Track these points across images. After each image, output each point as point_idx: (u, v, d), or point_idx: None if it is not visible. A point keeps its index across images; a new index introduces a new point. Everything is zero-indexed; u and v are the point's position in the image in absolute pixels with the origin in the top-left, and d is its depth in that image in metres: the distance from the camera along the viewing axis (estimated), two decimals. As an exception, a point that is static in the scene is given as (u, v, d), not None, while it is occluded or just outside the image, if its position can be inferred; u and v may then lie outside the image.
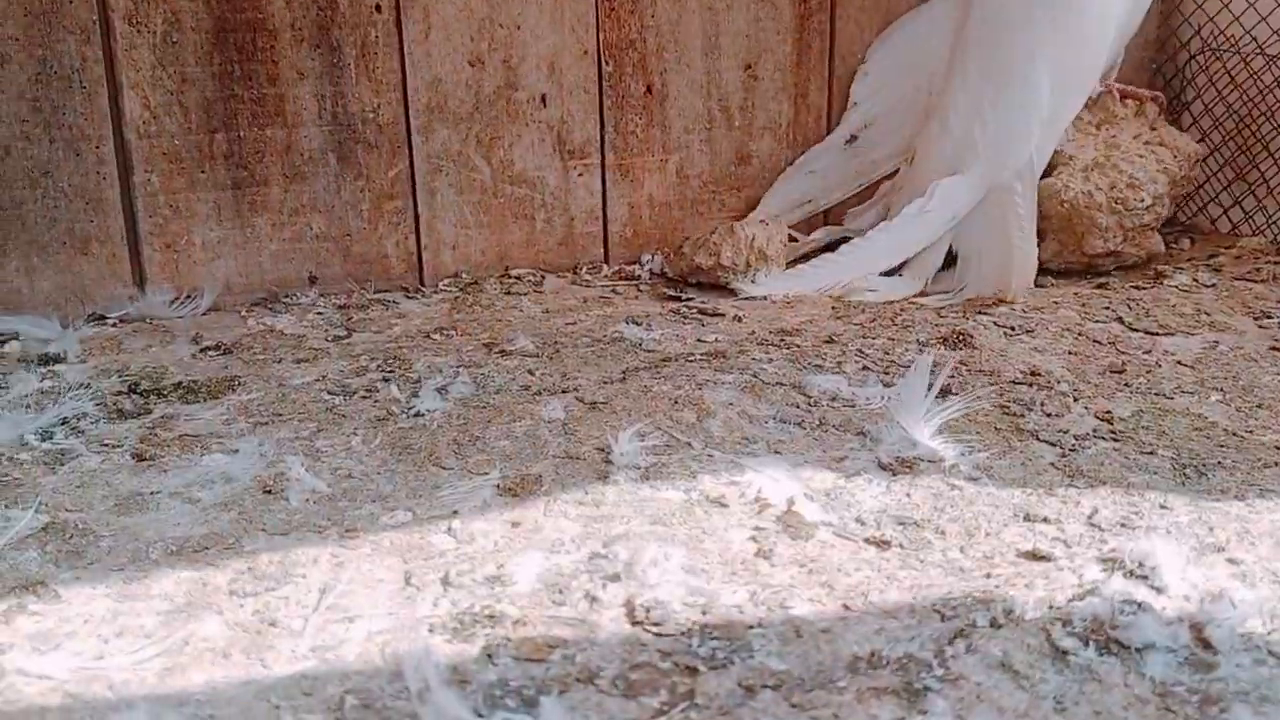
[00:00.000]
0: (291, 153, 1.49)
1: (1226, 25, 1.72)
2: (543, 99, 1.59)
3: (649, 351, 1.29)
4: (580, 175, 1.64)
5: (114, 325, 1.40)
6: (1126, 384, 1.16)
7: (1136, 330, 1.33)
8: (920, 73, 1.66)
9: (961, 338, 1.28)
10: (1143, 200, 1.54)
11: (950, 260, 1.54)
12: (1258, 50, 1.68)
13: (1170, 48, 1.80)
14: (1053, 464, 0.98)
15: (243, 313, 1.46)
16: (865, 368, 1.21)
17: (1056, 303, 1.44)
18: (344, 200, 1.53)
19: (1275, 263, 1.59)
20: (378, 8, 1.48)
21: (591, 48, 1.60)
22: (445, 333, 1.38)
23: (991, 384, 1.16)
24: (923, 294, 1.50)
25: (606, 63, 1.61)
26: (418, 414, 1.12)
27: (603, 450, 1.01)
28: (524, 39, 1.56)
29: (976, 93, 1.54)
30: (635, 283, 1.61)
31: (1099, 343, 1.29)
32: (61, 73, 1.37)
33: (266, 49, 1.45)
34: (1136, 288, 1.50)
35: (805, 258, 1.64)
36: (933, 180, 1.54)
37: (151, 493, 0.96)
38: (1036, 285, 1.52)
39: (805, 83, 1.72)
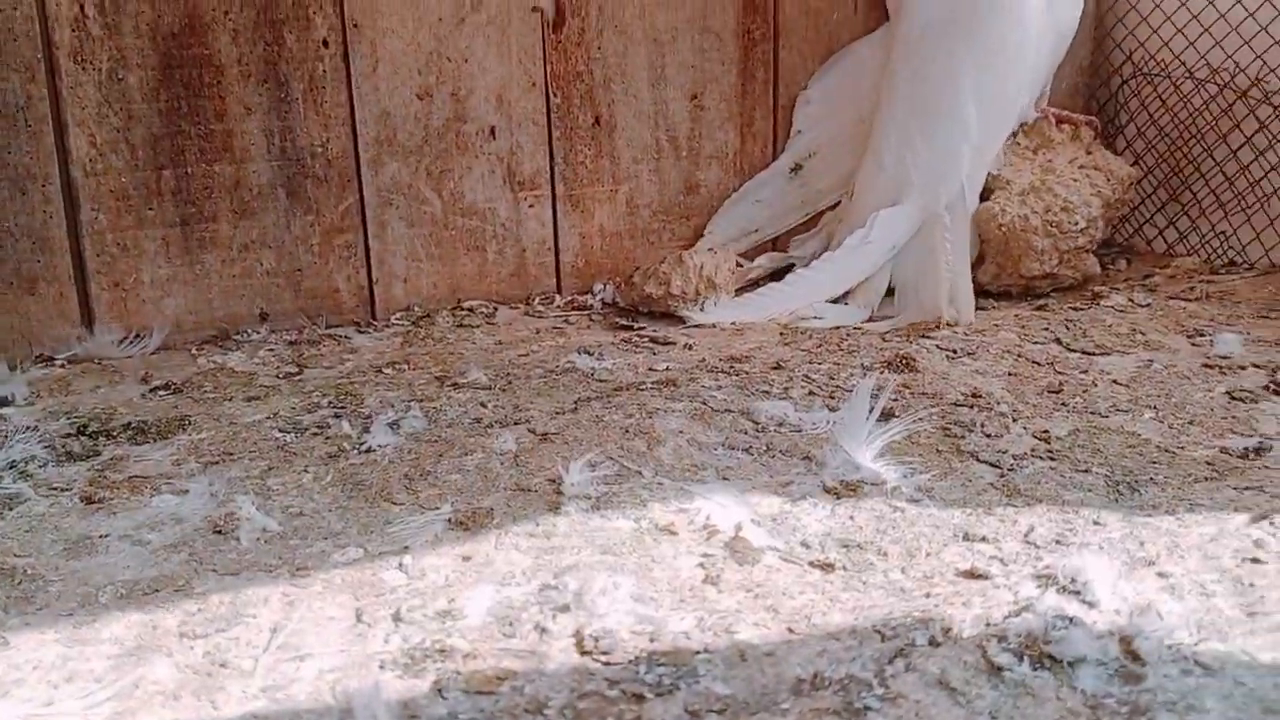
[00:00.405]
0: (240, 188, 1.49)
1: (1157, 50, 1.78)
2: (492, 131, 1.61)
3: (601, 381, 1.31)
4: (531, 206, 1.66)
5: (62, 366, 1.39)
6: (1064, 404, 1.20)
7: (1074, 350, 1.37)
8: (861, 104, 1.70)
9: (905, 361, 1.31)
10: (1077, 223, 1.58)
11: (892, 287, 1.58)
12: (1187, 74, 1.74)
13: (1103, 72, 1.86)
14: (992, 484, 1.01)
15: (193, 351, 1.46)
16: (811, 393, 1.23)
17: (997, 325, 1.48)
18: (294, 235, 1.53)
19: (1208, 281, 1.64)
20: (325, 43, 1.49)
21: (539, 80, 1.62)
22: (397, 367, 1.39)
23: (933, 406, 1.19)
24: (869, 320, 1.53)
25: (554, 94, 1.64)
26: (369, 450, 1.12)
27: (554, 481, 1.03)
28: (472, 71, 1.58)
29: (905, 125, 1.58)
30: (588, 312, 1.63)
31: (1038, 364, 1.33)
32: (6, 111, 1.36)
33: (213, 85, 1.45)
34: (1074, 309, 1.54)
35: (753, 284, 1.67)
36: (872, 211, 1.58)
37: (100, 536, 0.95)
38: (979, 310, 1.56)
39: (751, 112, 1.76)
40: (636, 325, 1.54)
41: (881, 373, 1.29)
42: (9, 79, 1.36)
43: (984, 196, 1.61)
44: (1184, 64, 1.74)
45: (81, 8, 1.37)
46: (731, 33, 1.72)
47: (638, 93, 1.69)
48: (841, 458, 1.03)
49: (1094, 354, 1.36)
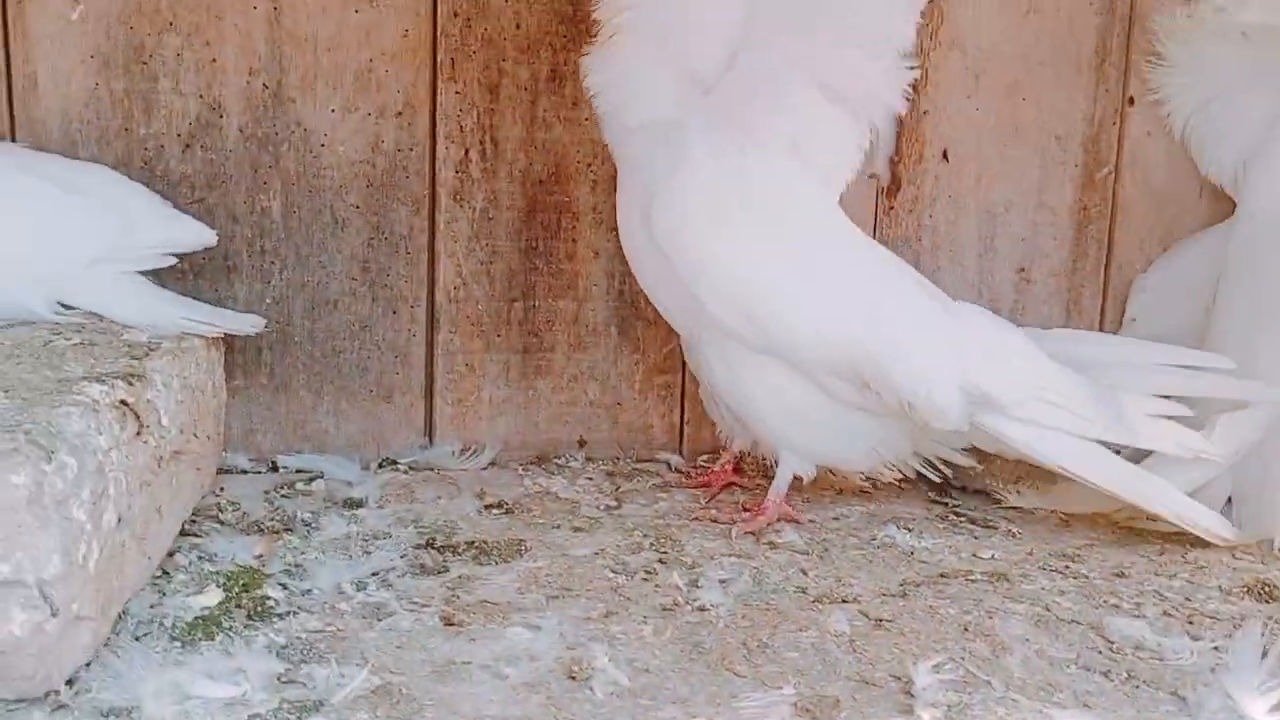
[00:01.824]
0: (578, 324, 1.58)
1: None
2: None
3: (923, 563, 1.28)
4: (843, 362, 1.66)
5: (405, 472, 1.50)
6: None
7: None
8: (1203, 297, 1.61)
9: (1267, 590, 1.20)
10: None
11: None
12: None
13: None
14: (1404, 761, 0.90)
15: (519, 470, 1.54)
16: (1167, 614, 1.15)
17: (1366, 555, 1.34)
18: (619, 371, 1.60)
19: None
20: (674, 196, 1.57)
21: (869, 242, 1.64)
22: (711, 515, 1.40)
23: (1312, 650, 1.08)
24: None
25: (881, 257, 1.65)
26: (702, 608, 1.13)
27: (899, 679, 1.00)
28: (805, 231, 1.61)
29: (1245, 323, 1.48)
30: (899, 478, 1.60)
31: None
32: (391, 239, 1.51)
33: (569, 229, 1.55)
34: None
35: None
36: (1210, 413, 1.47)
37: (463, 662, 1.00)
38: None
39: (1079, 289, 1.71)
40: (950, 499, 1.50)
41: (1243, 600, 1.18)
42: (397, 211, 1.51)
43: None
44: None
45: (466, 152, 1.51)
46: (1067, 209, 1.68)
47: (964, 261, 1.67)
48: (1221, 703, 0.95)
49: None
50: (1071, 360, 1.37)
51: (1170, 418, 1.36)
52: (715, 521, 1.37)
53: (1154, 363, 1.43)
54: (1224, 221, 1.67)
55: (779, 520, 1.37)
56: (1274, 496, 1.38)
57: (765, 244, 1.28)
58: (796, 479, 1.38)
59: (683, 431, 1.64)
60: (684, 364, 1.61)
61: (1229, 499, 1.45)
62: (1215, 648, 1.07)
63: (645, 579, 1.20)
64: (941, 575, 1.24)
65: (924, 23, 1.59)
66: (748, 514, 1.38)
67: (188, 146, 1.44)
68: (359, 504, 1.38)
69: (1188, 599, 1.19)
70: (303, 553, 1.22)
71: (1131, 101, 1.67)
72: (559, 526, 1.34)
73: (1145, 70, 1.64)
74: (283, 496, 1.39)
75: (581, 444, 1.61)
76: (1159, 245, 1.71)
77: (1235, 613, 1.15)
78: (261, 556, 1.21)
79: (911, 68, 1.36)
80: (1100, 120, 1.67)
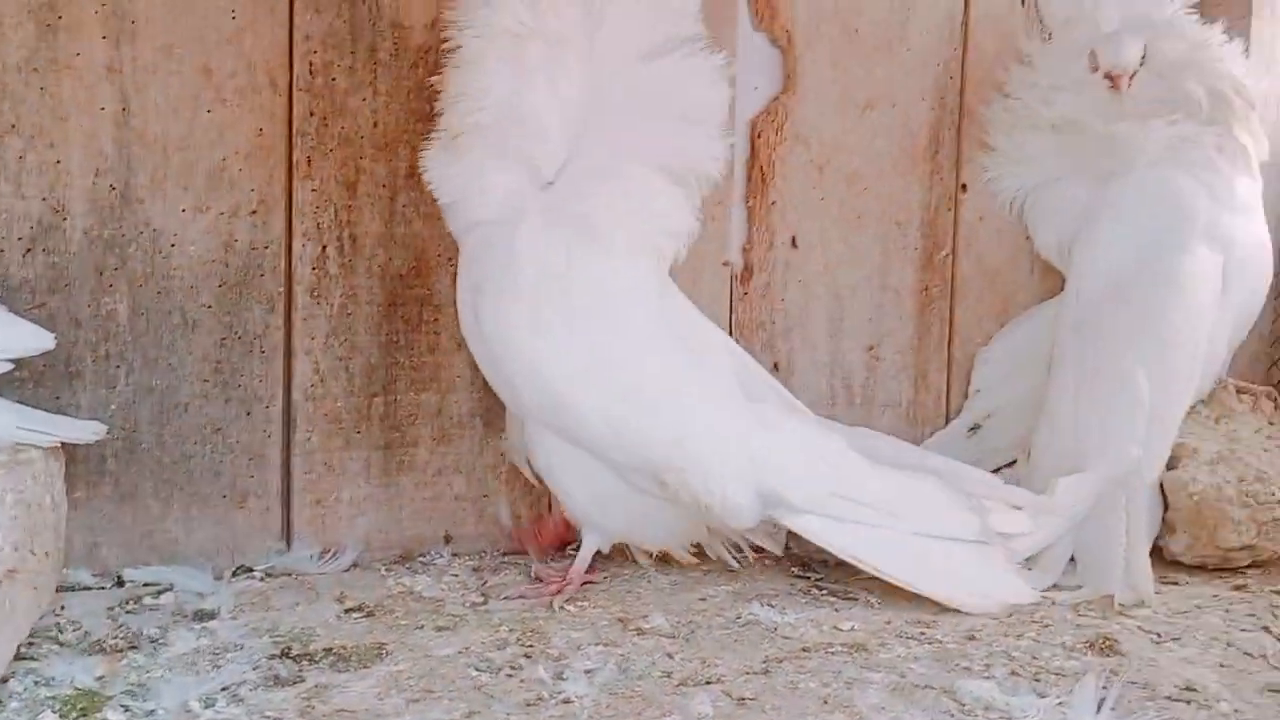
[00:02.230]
0: (441, 416, 1.57)
1: (1340, 324, 1.76)
2: (677, 372, 1.67)
3: (786, 639, 1.29)
4: (707, 444, 1.69)
5: (261, 579, 1.45)
6: (1291, 709, 1.13)
7: (1288, 643, 1.30)
8: (1040, 368, 1.71)
9: (1107, 643, 1.26)
10: (1273, 494, 1.54)
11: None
12: (1376, 350, 1.71)
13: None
14: (1231, 803, 0.95)
15: (382, 571, 1.50)
16: (1014, 673, 1.19)
17: (1198, 606, 1.42)
18: (485, 463, 1.59)
19: None
20: (533, 288, 1.60)
21: (725, 327, 1.69)
22: (578, 604, 1.40)
23: (1148, 699, 1.13)
24: (1054, 587, 1.48)
25: (737, 341, 1.69)
26: (566, 700, 1.12)
27: (761, 757, 1.00)
28: (664, 318, 1.66)
29: (1077, 396, 1.58)
30: (762, 553, 1.62)
31: (1250, 655, 1.27)
32: (245, 339, 1.48)
33: (430, 321, 1.56)
34: (1276, 591, 1.47)
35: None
36: (1049, 477, 1.56)
37: (315, 776, 0.97)
38: (1170, 583, 1.51)
39: (925, 364, 1.79)
40: (812, 573, 1.53)
41: (1085, 655, 1.24)
42: (251, 309, 1.48)
43: (1170, 465, 1.58)
44: (1375, 340, 1.72)
45: (324, 248, 1.51)
46: (910, 289, 1.77)
47: (816, 342, 1.74)
48: (1064, 758, 0.99)
49: (1312, 650, 1.28)
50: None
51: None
52: (524, 598, 1.40)
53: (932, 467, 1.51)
54: (1056, 297, 1.79)
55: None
56: (1112, 555, 1.46)
57: (579, 350, 1.35)
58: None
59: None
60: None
61: (1071, 557, 1.52)
62: (1059, 703, 1.11)
63: (510, 675, 1.19)
64: (803, 650, 1.26)
65: (770, 119, 1.69)
66: (540, 584, 1.43)
67: (29, 250, 1.40)
68: (211, 615, 1.32)
69: (1034, 657, 1.24)
70: (148, 671, 1.16)
71: (964, 188, 1.79)
72: (422, 626, 1.32)
73: (976, 159, 1.77)
74: (128, 612, 1.33)
75: (447, 540, 1.58)
76: (997, 321, 1.81)
77: (1078, 668, 1.20)
78: (103, 678, 1.15)
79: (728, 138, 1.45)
80: (936, 206, 1.78)
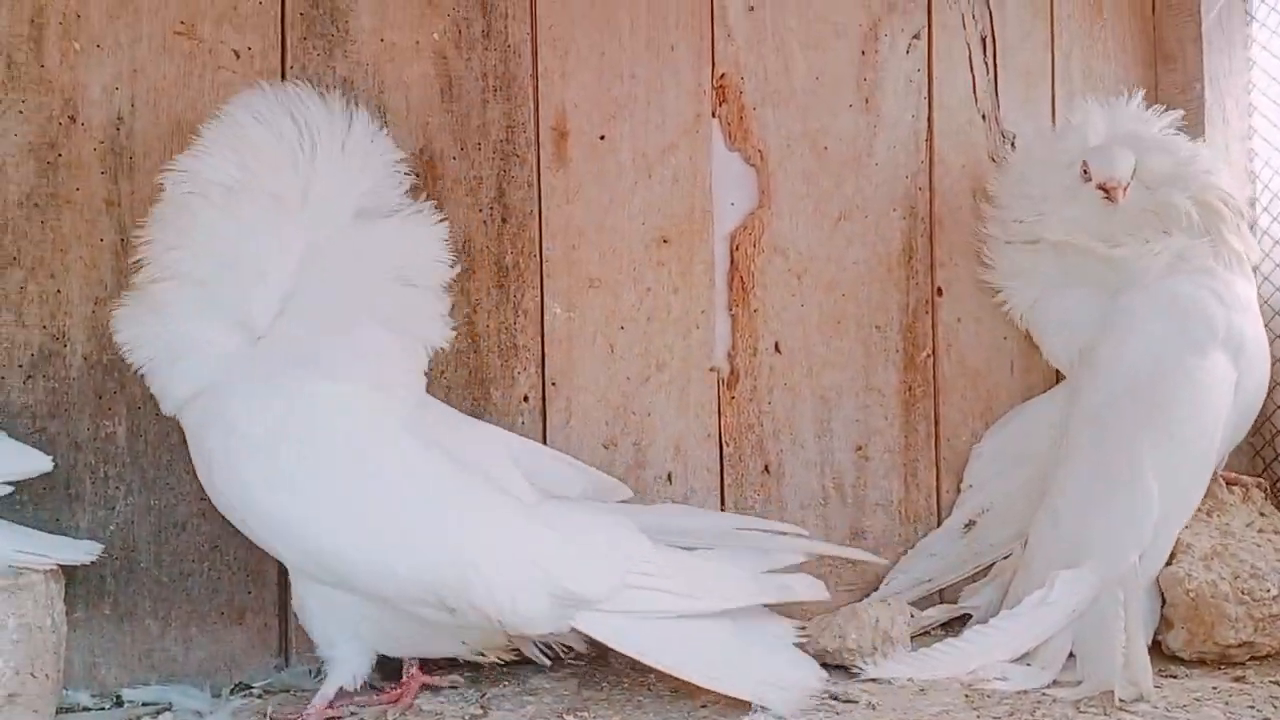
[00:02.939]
0: (436, 528, 1.58)
1: (1320, 415, 1.79)
2: (669, 477, 1.70)
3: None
4: (702, 549, 1.70)
5: (259, 696, 1.44)
6: (1295, 798, 1.12)
7: (1290, 733, 1.30)
8: (1033, 462, 1.74)
9: (1108, 738, 1.26)
10: (1269, 590, 1.54)
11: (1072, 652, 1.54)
12: (1355, 438, 1.74)
13: (1267, 432, 1.87)
14: None
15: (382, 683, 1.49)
16: (1016, 770, 1.19)
17: (1197, 699, 1.42)
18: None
19: None
20: (525, 398, 1.64)
21: (714, 431, 1.72)
22: (578, 714, 1.39)
23: (1151, 793, 1.13)
24: (1054, 684, 1.48)
25: (728, 444, 1.73)
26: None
27: None
28: (654, 424, 1.69)
29: (1087, 490, 1.60)
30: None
31: (1253, 746, 1.26)
32: (243, 456, 1.51)
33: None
34: (1276, 683, 1.47)
35: (924, 633, 1.65)
36: (1048, 570, 1.57)
37: None
38: (1170, 677, 1.51)
39: (914, 463, 1.82)
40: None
41: (1086, 751, 1.23)
42: (250, 426, 1.51)
43: (1167, 560, 1.59)
44: (1353, 428, 1.75)
45: (319, 365, 1.55)
46: (894, 390, 1.81)
47: (805, 443, 1.77)
48: None
49: (1313, 738, 1.28)
50: (670, 533, 1.47)
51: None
52: None
53: (736, 529, 1.54)
54: (1047, 392, 1.84)
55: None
56: (1111, 650, 1.46)
57: (328, 500, 1.29)
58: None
59: (547, 631, 1.63)
60: (545, 562, 1.63)
61: (1070, 653, 1.53)
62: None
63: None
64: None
65: (748, 232, 1.75)
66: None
67: (29, 377, 1.43)
68: (208, 735, 1.31)
69: (1035, 754, 1.23)
70: (144, 794, 1.15)
71: (940, 292, 1.85)
72: (421, 741, 1.31)
73: (949, 264, 1.83)
74: (126, 733, 1.32)
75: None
76: (981, 419, 1.85)
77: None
78: (98, 802, 1.14)
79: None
80: (914, 310, 1.83)
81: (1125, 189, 1.64)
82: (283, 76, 1.55)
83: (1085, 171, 1.68)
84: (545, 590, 1.31)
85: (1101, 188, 1.65)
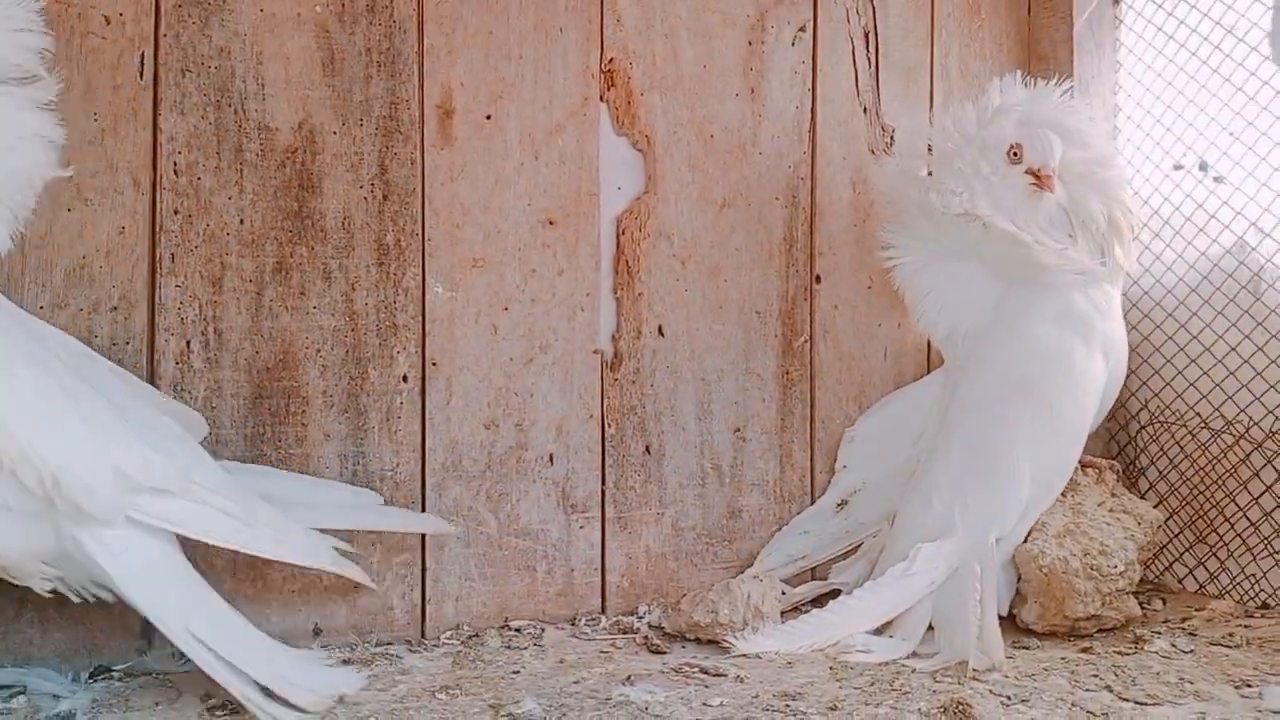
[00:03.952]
0: (311, 508, 1.56)
1: (1171, 401, 1.90)
2: (550, 458, 1.71)
3: (657, 717, 1.31)
4: (582, 528, 1.73)
5: (120, 680, 1.41)
6: (1124, 759, 1.19)
7: (1126, 700, 1.37)
8: (907, 446, 1.80)
9: (960, 708, 1.31)
10: (1115, 566, 1.63)
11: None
12: (1202, 424, 1.85)
13: (1121, 418, 1.98)
14: None
15: (248, 667, 1.47)
16: (870, 739, 1.24)
17: (1046, 669, 1.49)
18: (355, 554, 1.58)
19: (1245, 626, 1.66)
20: (405, 378, 1.63)
21: (597, 412, 1.74)
22: (450, 691, 1.40)
23: (993, 757, 1.19)
24: (914, 654, 1.55)
25: (609, 425, 1.75)
26: (430, 787, 1.12)
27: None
28: (536, 405, 1.70)
29: (960, 475, 1.67)
30: (633, 635, 1.65)
31: (1093, 714, 1.33)
32: (107, 434, 1.46)
33: (298, 413, 1.57)
34: (1120, 653, 1.56)
35: (795, 609, 1.70)
36: (915, 544, 1.63)
37: None
38: (1023, 648, 1.58)
39: (790, 444, 1.86)
40: (684, 652, 1.56)
41: (939, 718, 1.29)
42: (115, 403, 1.47)
43: (1020, 537, 1.67)
44: (1199, 415, 1.86)
45: (188, 343, 1.51)
46: (772, 374, 1.85)
47: (685, 425, 1.80)
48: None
49: (1146, 704, 1.36)
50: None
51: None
52: None
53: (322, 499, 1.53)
54: (923, 379, 1.90)
55: None
56: (967, 622, 1.53)
57: None
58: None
59: (425, 610, 1.63)
60: (424, 541, 1.63)
61: (930, 625, 1.59)
62: (912, 767, 1.15)
63: (374, 765, 1.18)
64: (671, 727, 1.28)
65: (634, 216, 1.77)
66: None
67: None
68: (68, 718, 1.28)
69: (890, 724, 1.28)
70: (-9, 779, 1.12)
71: (818, 279, 1.89)
72: (287, 721, 1.29)
73: (827, 253, 1.88)
74: (-26, 719, 1.27)
75: (317, 632, 1.57)
76: (855, 402, 1.91)
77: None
78: (-59, 790, 1.10)
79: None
80: (793, 296, 1.88)
81: (1056, 178, 1.64)
82: (155, 45, 1.50)
83: (1014, 153, 1.67)
84: (108, 465, 1.25)
85: (1034, 173, 1.64)
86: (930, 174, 1.78)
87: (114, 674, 1.42)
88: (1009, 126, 1.70)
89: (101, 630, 1.45)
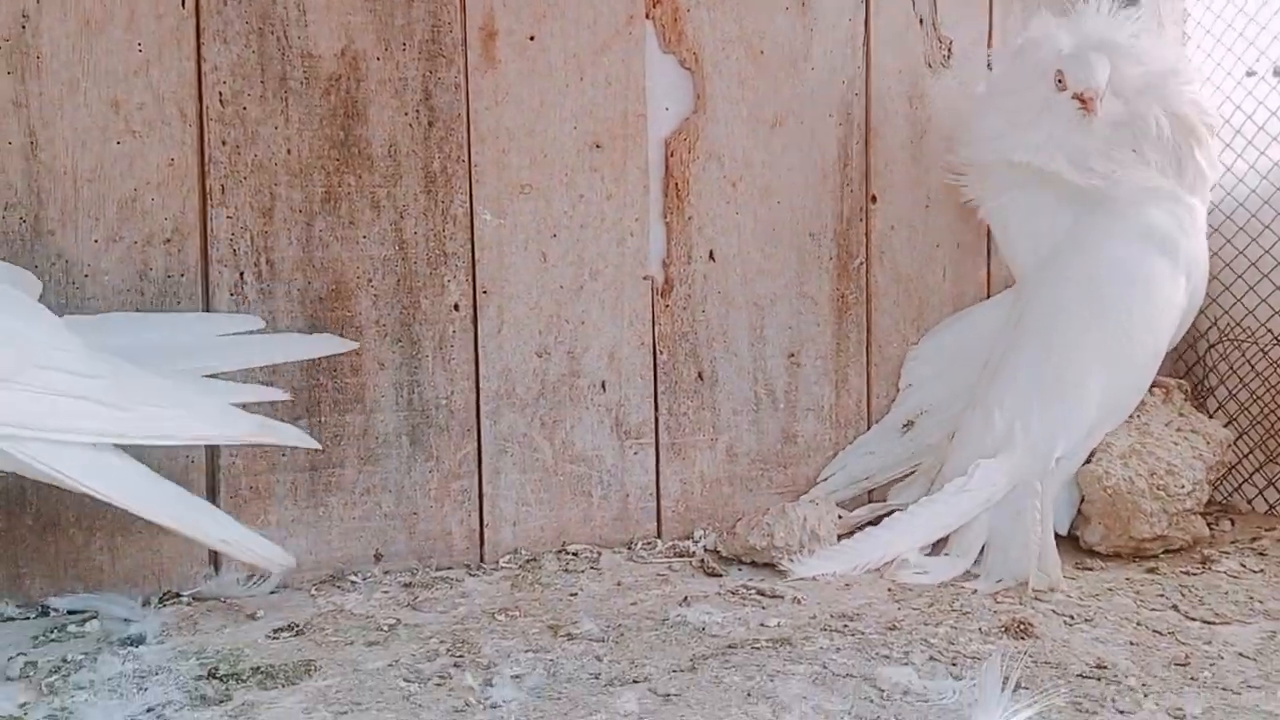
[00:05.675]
0: (367, 436, 1.58)
1: (1242, 317, 1.84)
2: (603, 385, 1.70)
3: (714, 637, 1.32)
4: (636, 454, 1.72)
5: (189, 604, 1.44)
6: (1193, 678, 1.17)
7: (1193, 619, 1.35)
8: (973, 368, 1.76)
9: (1022, 627, 1.30)
10: (1183, 487, 1.59)
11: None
12: (1274, 340, 1.79)
13: (1190, 336, 1.91)
14: (1132, 765, 0.99)
15: (311, 591, 1.50)
16: (932, 658, 1.23)
17: (1110, 589, 1.47)
18: (413, 480, 1.60)
19: (1318, 546, 1.62)
20: (456, 306, 1.62)
21: (648, 340, 1.72)
22: (509, 614, 1.41)
23: (1059, 677, 1.17)
24: (969, 574, 1.53)
25: (662, 352, 1.73)
26: (494, 705, 1.13)
27: (682, 747, 1.02)
28: (587, 332, 1.69)
29: (1025, 393, 1.63)
30: (689, 559, 1.65)
31: (1159, 633, 1.31)
32: (166, 366, 1.48)
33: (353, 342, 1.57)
34: (1187, 573, 1.53)
35: (851, 533, 1.69)
36: (973, 461, 1.61)
37: (238, 789, 0.97)
38: (1085, 569, 1.56)
39: (845, 369, 1.84)
40: (740, 575, 1.56)
41: (1000, 638, 1.28)
42: (172, 335, 1.48)
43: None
44: (1270, 331, 1.80)
45: (241, 274, 1.52)
46: (827, 297, 1.82)
47: (738, 351, 1.78)
48: (973, 732, 1.02)
49: (1214, 623, 1.34)
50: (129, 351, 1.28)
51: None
52: None
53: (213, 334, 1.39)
54: (992, 298, 1.86)
55: None
56: (1026, 541, 1.51)
57: None
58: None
59: (483, 535, 1.64)
60: (480, 467, 1.64)
61: (983, 546, 1.57)
62: (975, 685, 1.14)
63: (439, 684, 1.19)
64: (729, 646, 1.28)
65: (683, 138, 1.73)
66: None
67: (-62, 284, 1.38)
68: (138, 641, 1.31)
69: (951, 643, 1.27)
70: (72, 696, 1.15)
71: (874, 199, 1.84)
72: (352, 642, 1.32)
73: (883, 172, 1.82)
74: (52, 641, 1.31)
75: (378, 558, 1.59)
76: (913, 325, 1.87)
77: (994, 651, 1.24)
78: (26, 704, 1.14)
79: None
80: (848, 218, 1.83)
81: (1101, 98, 1.60)
82: (196, -30, 1.48)
83: (1060, 81, 1.64)
84: None
85: (1078, 97, 1.61)
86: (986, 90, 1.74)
87: (182, 598, 1.46)
88: (1053, 53, 1.67)
89: (169, 556, 1.48)
